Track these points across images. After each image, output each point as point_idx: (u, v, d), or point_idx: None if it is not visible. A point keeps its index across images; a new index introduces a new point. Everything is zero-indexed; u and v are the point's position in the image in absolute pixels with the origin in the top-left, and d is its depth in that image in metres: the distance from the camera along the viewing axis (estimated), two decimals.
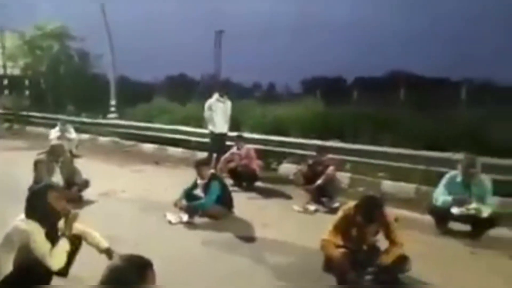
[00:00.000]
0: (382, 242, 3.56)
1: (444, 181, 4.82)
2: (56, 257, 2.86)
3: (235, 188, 6.48)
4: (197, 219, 5.00)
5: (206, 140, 8.87)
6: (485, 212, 4.38)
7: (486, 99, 12.07)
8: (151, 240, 4.24)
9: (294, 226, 5.03)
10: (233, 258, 3.99)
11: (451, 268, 3.84)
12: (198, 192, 5.29)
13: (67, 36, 19.33)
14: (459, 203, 4.53)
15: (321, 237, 3.63)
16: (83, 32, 19.16)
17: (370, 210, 3.34)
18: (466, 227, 4.67)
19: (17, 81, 21.74)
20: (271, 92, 28.82)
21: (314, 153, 6.44)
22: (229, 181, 6.39)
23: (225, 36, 26.26)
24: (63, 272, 3.06)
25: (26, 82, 21.40)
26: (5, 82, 22.28)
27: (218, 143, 7.84)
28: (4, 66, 21.91)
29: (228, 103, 7.93)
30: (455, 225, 4.76)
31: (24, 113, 16.14)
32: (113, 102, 14.17)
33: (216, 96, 7.85)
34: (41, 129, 13.56)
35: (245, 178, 6.78)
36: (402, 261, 3.39)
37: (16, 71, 21.51)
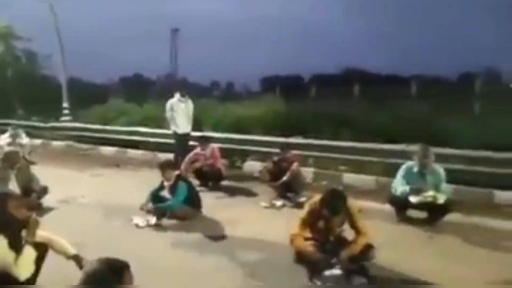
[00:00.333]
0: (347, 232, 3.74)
1: (401, 171, 5.09)
2: (22, 266, 2.77)
3: (202, 188, 6.46)
4: (165, 221, 4.95)
5: (167, 141, 8.77)
6: (441, 199, 4.69)
7: (434, 93, 12.82)
8: (118, 245, 4.13)
9: (263, 222, 5.11)
10: (204, 258, 4.00)
11: (412, 252, 4.07)
12: (165, 193, 5.24)
13: (13, 36, 18.28)
14: (416, 191, 4.81)
15: (290, 232, 3.76)
16: (30, 33, 18.22)
17: (335, 203, 3.51)
18: (423, 214, 4.98)
19: None
20: (230, 91, 28.89)
21: (277, 150, 6.57)
22: (195, 181, 6.36)
23: (181, 35, 25.99)
24: (31, 281, 2.96)
25: None
26: None
27: (181, 143, 7.77)
28: None
29: (190, 103, 7.88)
30: (413, 213, 5.05)
31: None
32: (65, 105, 13.56)
33: (177, 96, 7.77)
34: None
35: (211, 178, 6.78)
36: (367, 249, 3.57)
37: None
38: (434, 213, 4.83)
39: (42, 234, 3.05)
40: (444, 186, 4.92)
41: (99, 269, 1.87)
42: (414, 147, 5.47)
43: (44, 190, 5.66)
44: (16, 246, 2.83)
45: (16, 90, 17.11)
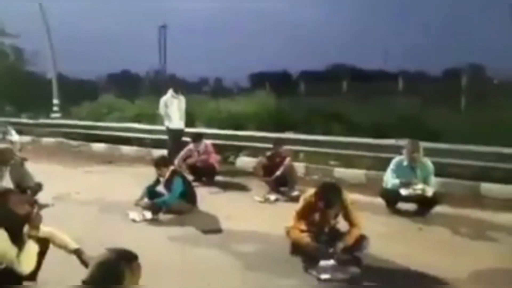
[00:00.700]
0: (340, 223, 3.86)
1: (391, 165, 5.26)
2: (25, 262, 2.81)
3: (196, 183, 6.52)
4: (162, 216, 5.02)
5: (160, 137, 8.80)
6: (430, 191, 4.86)
7: (420, 89, 13.03)
8: (116, 240, 4.16)
9: (257, 216, 5.21)
10: (201, 251, 4.08)
11: (403, 243, 4.22)
12: (161, 189, 5.30)
13: (1, 33, 17.96)
14: (406, 185, 4.98)
15: (285, 225, 3.87)
16: (18, 29, 17.94)
17: (330, 196, 3.62)
18: (412, 207, 5.15)
19: None
20: (219, 86, 28.77)
21: (269, 145, 6.68)
22: (189, 177, 6.42)
23: (168, 31, 25.82)
24: (32, 277, 3.01)
25: None
26: None
27: (175, 139, 7.82)
28: None
29: (183, 99, 7.93)
30: (402, 205, 5.22)
31: None
32: (55, 101, 13.44)
33: (170, 92, 7.82)
34: None
35: (205, 173, 6.86)
36: (360, 240, 3.69)
37: None
38: (423, 205, 5.01)
39: (44, 229, 3.10)
40: (433, 179, 5.10)
41: (109, 258, 1.91)
42: (403, 142, 5.64)
43: (39, 187, 5.62)
44: (18, 242, 2.87)
45: (4, 86, 16.83)
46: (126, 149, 9.98)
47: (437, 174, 5.34)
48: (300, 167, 7.29)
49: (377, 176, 6.27)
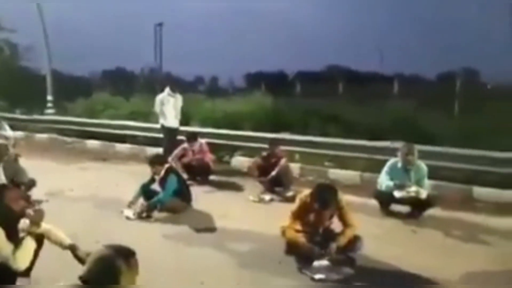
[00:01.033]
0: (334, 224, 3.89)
1: (386, 168, 5.29)
2: (21, 258, 2.80)
3: (190, 182, 6.51)
4: (156, 214, 5.02)
5: (155, 135, 8.78)
6: (423, 194, 4.90)
7: (414, 92, 13.12)
8: (110, 237, 4.15)
9: (252, 215, 5.22)
10: (195, 250, 4.09)
11: (396, 245, 4.25)
12: (156, 187, 5.29)
13: None
14: (400, 187, 5.01)
15: (279, 225, 3.89)
16: (13, 24, 17.79)
17: (326, 197, 3.65)
18: (406, 209, 5.19)
19: None
20: (214, 86, 28.77)
21: (264, 146, 6.69)
22: (183, 176, 6.42)
23: (164, 29, 25.75)
24: (26, 273, 3.00)
25: None
26: None
27: (170, 137, 7.81)
28: None
29: (179, 98, 7.91)
30: (396, 207, 5.25)
31: None
32: (49, 98, 13.34)
33: (167, 90, 7.80)
34: None
35: (199, 172, 6.85)
36: (354, 241, 3.73)
37: None
38: (417, 207, 5.05)
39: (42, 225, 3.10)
40: (426, 181, 5.14)
41: (107, 254, 1.91)
42: (398, 144, 5.68)
43: (32, 183, 5.61)
44: (13, 238, 2.86)
45: None
46: (120, 146, 9.94)
47: (430, 177, 5.39)
48: (294, 168, 7.31)
49: (371, 178, 6.30)
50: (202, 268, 3.64)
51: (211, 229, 4.68)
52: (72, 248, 3.05)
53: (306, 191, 3.86)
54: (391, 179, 5.12)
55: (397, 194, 5.00)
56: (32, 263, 3.02)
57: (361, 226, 3.88)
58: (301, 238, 3.70)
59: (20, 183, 5.46)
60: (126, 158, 9.03)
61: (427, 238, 4.55)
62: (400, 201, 5.08)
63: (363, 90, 13.97)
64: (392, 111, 9.54)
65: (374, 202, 5.36)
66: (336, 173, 7.25)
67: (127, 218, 4.91)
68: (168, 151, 7.36)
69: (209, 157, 7.04)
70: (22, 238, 2.94)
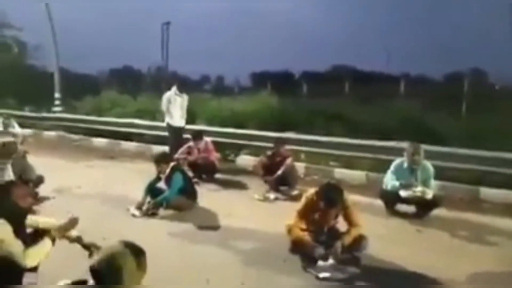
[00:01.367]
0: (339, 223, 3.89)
1: (392, 167, 5.28)
2: (33, 256, 2.82)
3: (196, 180, 6.54)
4: (162, 211, 5.06)
5: (161, 133, 8.82)
6: (429, 194, 4.88)
7: (421, 92, 13.06)
8: (117, 234, 4.13)
9: (257, 214, 5.24)
10: (200, 247, 4.11)
11: (401, 245, 4.24)
12: (161, 185, 5.32)
13: (4, 25, 17.97)
14: (406, 187, 5.00)
15: (284, 223, 3.91)
16: (21, 22, 17.96)
17: (332, 196, 3.65)
18: (411, 209, 5.17)
19: None
20: (220, 85, 28.81)
21: (269, 145, 6.71)
22: (189, 174, 6.45)
23: (171, 28, 25.83)
24: (33, 268, 3.03)
25: None
26: None
27: (176, 136, 7.84)
28: None
29: (186, 98, 7.93)
30: (402, 207, 5.24)
31: None
32: (57, 95, 13.46)
33: (174, 89, 7.82)
34: None
35: (205, 171, 6.88)
36: (360, 240, 3.72)
37: None
38: (423, 207, 5.03)
39: (48, 220, 3.14)
40: (432, 182, 5.12)
41: (121, 250, 1.96)
42: (404, 144, 5.66)
43: (40, 179, 5.68)
44: (20, 234, 2.89)
45: (7, 79, 16.84)
46: (126, 144, 10.01)
47: (437, 177, 5.37)
48: (300, 167, 7.31)
49: (377, 178, 6.28)
50: (207, 266, 3.66)
51: (216, 227, 4.70)
52: (79, 240, 3.09)
53: (312, 190, 3.87)
54: (397, 178, 5.10)
55: (402, 194, 4.99)
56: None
57: (366, 225, 3.88)
58: (306, 237, 3.71)
59: (28, 180, 5.53)
60: (132, 156, 9.08)
61: (433, 238, 4.53)
62: (406, 201, 5.07)
63: (369, 90, 13.94)
64: (399, 111, 9.51)
65: (379, 202, 5.35)
66: (342, 173, 7.25)
67: (133, 215, 4.95)
68: (174, 150, 7.39)
69: (215, 156, 7.06)
70: (33, 236, 2.98)
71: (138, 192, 5.28)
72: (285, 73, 32.48)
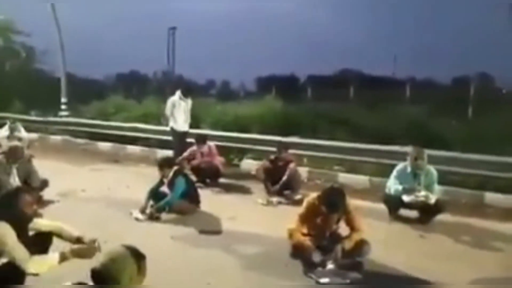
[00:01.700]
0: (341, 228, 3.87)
1: (395, 172, 5.25)
2: (38, 266, 2.82)
3: (199, 185, 6.55)
4: (165, 215, 5.07)
5: (166, 137, 8.86)
6: (433, 199, 4.85)
7: (428, 96, 13.01)
8: (119, 237, 4.20)
9: (260, 218, 5.24)
10: (202, 251, 4.11)
11: (404, 250, 4.22)
12: (164, 189, 5.34)
13: (12, 31, 18.20)
14: (409, 191, 4.97)
15: (287, 227, 3.89)
16: (29, 27, 18.18)
17: (334, 200, 3.63)
18: (415, 214, 5.14)
19: None
20: (225, 89, 28.92)
21: (273, 149, 6.69)
22: (192, 178, 6.46)
23: (177, 33, 26.05)
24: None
25: None
26: None
27: (180, 140, 7.87)
28: None
29: (190, 103, 7.96)
30: (405, 212, 5.20)
31: None
32: (63, 100, 13.58)
33: (178, 94, 7.86)
34: None
35: (208, 175, 6.88)
36: (362, 245, 3.70)
37: None
38: (426, 212, 5.00)
39: (51, 223, 3.18)
40: (436, 187, 5.09)
41: (120, 253, 1.98)
42: (408, 148, 5.63)
43: (45, 183, 5.73)
44: (23, 238, 2.91)
45: (14, 83, 17.03)
46: (131, 148, 10.08)
47: (441, 182, 5.33)
48: (303, 171, 7.29)
49: (381, 182, 6.25)
50: (209, 270, 3.66)
51: (219, 231, 4.71)
52: (80, 239, 3.10)
53: (314, 194, 3.86)
54: (400, 183, 5.07)
55: (405, 198, 4.96)
56: None
57: (369, 230, 3.86)
58: (306, 242, 3.69)
59: (33, 184, 5.57)
60: (137, 160, 9.13)
61: (436, 243, 4.50)
62: (409, 205, 5.04)
63: (375, 94, 13.88)
64: (404, 116, 9.47)
65: (382, 207, 5.32)
66: (346, 177, 7.22)
67: (136, 219, 4.97)
68: (178, 154, 7.43)
69: (219, 160, 7.07)
70: (35, 238, 3.02)
71: (142, 195, 5.30)
72: (291, 77, 32.56)
